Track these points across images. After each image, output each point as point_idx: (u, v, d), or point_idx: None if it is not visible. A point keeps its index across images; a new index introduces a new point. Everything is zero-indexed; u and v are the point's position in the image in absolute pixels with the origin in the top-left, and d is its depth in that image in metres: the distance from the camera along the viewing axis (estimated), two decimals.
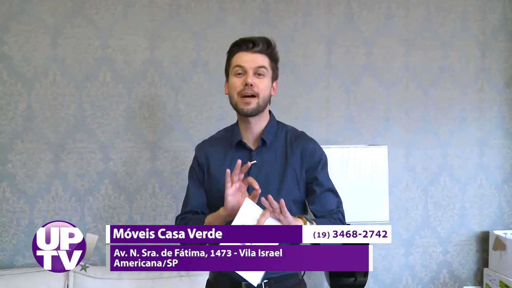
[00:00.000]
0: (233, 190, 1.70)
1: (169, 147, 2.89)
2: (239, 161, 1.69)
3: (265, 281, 1.80)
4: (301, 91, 3.02)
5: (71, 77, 2.81)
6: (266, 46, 1.84)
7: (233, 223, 1.65)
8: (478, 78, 3.19)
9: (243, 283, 1.79)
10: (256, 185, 1.68)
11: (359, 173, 2.66)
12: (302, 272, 1.94)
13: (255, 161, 1.85)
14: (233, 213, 1.69)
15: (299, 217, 1.68)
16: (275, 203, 1.60)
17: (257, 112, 1.84)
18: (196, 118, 2.91)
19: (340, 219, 1.83)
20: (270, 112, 1.94)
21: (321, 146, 2.61)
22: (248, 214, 1.65)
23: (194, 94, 2.91)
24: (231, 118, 1.98)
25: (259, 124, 1.88)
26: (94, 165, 2.83)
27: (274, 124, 1.93)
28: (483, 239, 3.17)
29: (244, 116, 1.85)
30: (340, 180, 2.64)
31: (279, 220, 1.63)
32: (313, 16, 3.03)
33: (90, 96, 2.82)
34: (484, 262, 3.16)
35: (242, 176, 1.70)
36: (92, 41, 2.82)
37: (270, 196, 1.60)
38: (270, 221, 1.64)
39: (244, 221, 1.64)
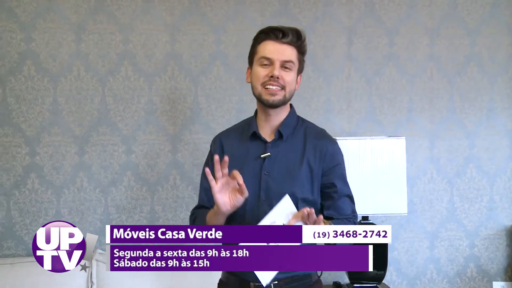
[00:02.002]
0: (219, 187, 1.64)
1: (189, 140, 2.94)
2: (216, 157, 1.64)
3: (274, 282, 1.74)
4: (322, 83, 3.00)
5: (94, 72, 2.89)
6: (296, 38, 1.76)
7: (267, 216, 1.64)
8: (508, 66, 3.07)
9: (251, 283, 1.76)
10: (240, 179, 1.62)
11: (377, 165, 2.63)
12: (320, 273, 1.85)
13: (269, 154, 1.80)
14: (225, 209, 1.67)
15: (325, 223, 1.64)
16: (313, 217, 1.57)
17: (282, 104, 1.79)
18: (216, 110, 2.95)
19: (355, 223, 1.82)
20: (291, 105, 1.88)
21: (341, 138, 2.62)
22: (283, 211, 1.64)
23: (214, 87, 2.94)
24: (251, 110, 1.98)
25: (279, 116, 1.83)
26: (117, 157, 2.91)
27: (294, 118, 1.87)
28: None
29: (268, 107, 1.79)
30: (357, 172, 2.62)
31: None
32: (334, 7, 2.99)
33: (112, 90, 2.90)
34: None
35: (225, 171, 1.64)
36: (114, 37, 2.89)
37: (312, 211, 1.57)
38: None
39: (277, 217, 1.63)
